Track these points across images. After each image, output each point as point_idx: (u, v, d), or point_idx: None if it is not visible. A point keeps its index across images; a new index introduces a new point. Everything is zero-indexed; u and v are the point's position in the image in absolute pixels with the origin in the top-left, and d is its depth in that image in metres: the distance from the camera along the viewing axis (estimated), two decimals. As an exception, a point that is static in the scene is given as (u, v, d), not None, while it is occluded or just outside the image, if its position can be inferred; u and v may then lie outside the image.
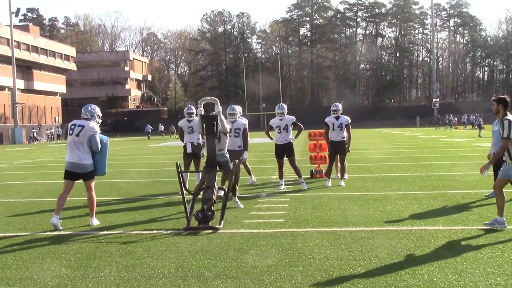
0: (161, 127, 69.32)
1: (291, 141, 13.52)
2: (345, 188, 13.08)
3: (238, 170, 11.43)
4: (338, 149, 13.86)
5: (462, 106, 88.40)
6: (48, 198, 12.81)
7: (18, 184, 16.75)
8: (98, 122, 9.46)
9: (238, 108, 12.28)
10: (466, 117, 69.65)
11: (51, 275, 6.28)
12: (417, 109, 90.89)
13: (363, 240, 7.51)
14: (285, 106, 13.78)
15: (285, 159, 13.43)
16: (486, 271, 5.98)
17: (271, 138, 13.95)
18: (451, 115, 72.73)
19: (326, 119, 14.07)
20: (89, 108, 9.48)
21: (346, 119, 13.92)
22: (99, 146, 9.21)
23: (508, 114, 8.31)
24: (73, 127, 9.31)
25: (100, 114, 9.55)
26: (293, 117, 13.65)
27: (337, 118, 13.86)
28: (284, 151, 13.36)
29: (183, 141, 13.10)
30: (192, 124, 12.88)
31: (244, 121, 12.31)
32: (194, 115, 13.00)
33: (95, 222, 9.29)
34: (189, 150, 12.83)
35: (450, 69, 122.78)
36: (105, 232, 8.62)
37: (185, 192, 9.19)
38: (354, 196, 11.78)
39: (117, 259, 6.89)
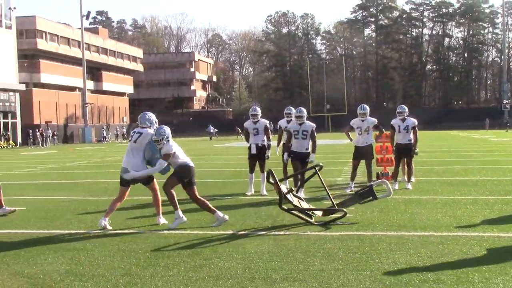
0: (211, 128, 67.55)
1: (371, 143, 13.45)
2: (412, 191, 12.85)
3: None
4: (404, 152, 13.63)
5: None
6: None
7: (88, 182, 17.20)
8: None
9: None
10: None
11: (121, 273, 6.41)
12: (487, 111, 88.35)
13: (433, 246, 7.34)
14: (368, 107, 13.62)
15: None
16: None
17: (351, 139, 13.82)
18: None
19: (392, 122, 13.89)
20: (147, 116, 9.63)
21: (413, 121, 13.67)
22: (158, 155, 9.31)
23: None
24: (133, 134, 9.46)
25: (157, 120, 9.70)
26: (375, 119, 13.53)
27: (403, 120, 13.63)
28: (363, 153, 13.25)
29: (248, 142, 13.14)
30: (257, 125, 12.93)
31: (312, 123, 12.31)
32: (259, 116, 13.04)
33: (162, 221, 9.42)
34: (253, 151, 12.88)
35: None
36: (173, 231, 8.73)
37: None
38: (422, 199, 11.55)
39: (185, 258, 6.97)
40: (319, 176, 9.97)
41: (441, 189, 13.07)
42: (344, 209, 9.13)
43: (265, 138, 12.92)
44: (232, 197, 12.68)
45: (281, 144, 13.59)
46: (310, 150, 11.93)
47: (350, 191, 12.90)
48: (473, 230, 8.34)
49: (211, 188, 14.73)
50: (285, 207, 8.94)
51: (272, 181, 8.95)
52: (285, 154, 11.99)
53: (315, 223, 9.00)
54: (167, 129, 9.22)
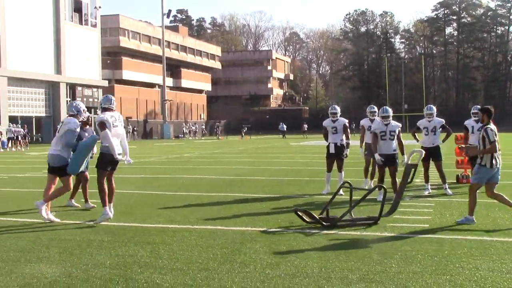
0: (284, 127, 67.15)
1: (439, 144, 13.09)
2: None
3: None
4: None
5: None
6: (195, 193, 13.29)
7: (166, 177, 17.55)
8: (84, 118, 9.91)
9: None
10: None
11: (199, 267, 6.51)
12: None
13: (516, 252, 7.10)
14: (434, 108, 13.34)
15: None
16: None
17: (417, 140, 13.58)
18: None
19: (466, 122, 13.54)
20: (74, 105, 9.80)
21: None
22: (72, 143, 9.31)
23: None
24: (60, 125, 9.66)
25: (85, 108, 9.84)
26: (442, 120, 13.24)
27: (477, 121, 13.18)
28: (431, 154, 12.94)
29: (327, 140, 13.08)
30: (336, 124, 12.88)
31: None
32: (339, 115, 12.98)
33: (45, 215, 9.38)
34: (332, 150, 12.82)
35: None
36: (250, 228, 8.80)
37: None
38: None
39: (261, 256, 7.01)
40: (412, 177, 10.00)
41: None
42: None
43: (343, 137, 12.85)
44: (309, 196, 12.64)
45: (364, 143, 13.42)
46: (397, 151, 11.64)
47: (428, 193, 12.64)
48: (560, 237, 8.01)
49: (289, 187, 14.73)
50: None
51: (306, 218, 8.99)
52: (377, 155, 11.70)
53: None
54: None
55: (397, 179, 11.35)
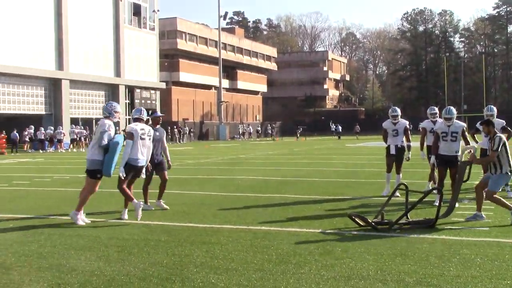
0: (339, 127, 67.25)
1: None
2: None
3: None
4: None
5: None
6: (251, 194, 13.35)
7: (222, 178, 17.69)
8: (118, 118, 9.80)
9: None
10: None
11: (254, 268, 6.54)
12: None
13: None
14: (495, 109, 12.86)
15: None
16: None
17: (476, 142, 13.26)
18: None
19: None
20: (107, 106, 9.83)
21: None
22: (105, 142, 9.29)
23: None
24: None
25: (119, 110, 9.81)
26: (503, 121, 13.01)
27: None
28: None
29: (385, 142, 13.01)
30: (397, 127, 12.80)
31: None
32: (399, 117, 12.85)
33: (80, 220, 9.46)
34: (393, 151, 12.74)
35: None
36: (305, 229, 8.79)
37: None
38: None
39: (316, 257, 6.99)
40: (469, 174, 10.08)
41: None
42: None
43: (404, 139, 12.76)
44: (364, 198, 12.53)
45: (425, 146, 13.11)
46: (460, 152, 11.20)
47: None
48: None
49: (344, 188, 14.65)
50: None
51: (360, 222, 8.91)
52: (433, 156, 11.47)
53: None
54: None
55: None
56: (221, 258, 7.03)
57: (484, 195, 9.35)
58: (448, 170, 11.16)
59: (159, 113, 11.50)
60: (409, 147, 12.77)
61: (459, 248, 7.37)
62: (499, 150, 9.21)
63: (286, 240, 8.04)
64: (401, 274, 6.20)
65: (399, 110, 13.13)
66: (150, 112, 11.32)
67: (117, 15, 52.68)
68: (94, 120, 51.45)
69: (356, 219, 8.94)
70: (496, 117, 12.86)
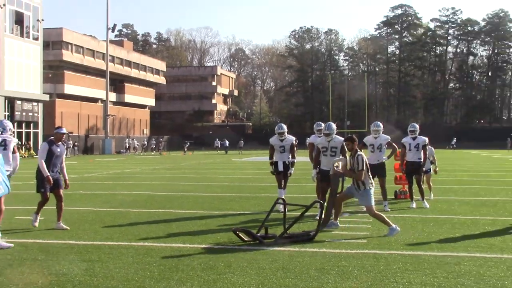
0: (226, 142, 68.06)
1: (384, 161, 13.27)
2: (430, 210, 12.74)
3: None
4: (414, 170, 13.54)
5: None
6: (135, 209, 13.13)
7: (106, 194, 17.27)
8: (11, 135, 9.78)
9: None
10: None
11: (135, 285, 6.42)
12: (509, 131, 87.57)
13: (449, 266, 7.27)
14: (381, 125, 13.50)
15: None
16: None
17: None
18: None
19: (403, 140, 13.86)
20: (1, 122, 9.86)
21: (423, 139, 13.64)
22: None
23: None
24: None
25: (11, 128, 9.93)
26: (388, 137, 13.40)
27: (414, 138, 13.59)
28: (376, 171, 13.07)
29: (271, 158, 13.03)
30: (284, 143, 12.84)
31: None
32: (286, 133, 12.97)
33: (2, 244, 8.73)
34: (280, 168, 12.83)
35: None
36: (188, 245, 8.74)
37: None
38: (439, 219, 11.45)
39: (198, 273, 6.97)
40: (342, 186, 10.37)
41: (459, 209, 12.94)
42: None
43: (290, 156, 12.86)
44: (250, 212, 12.65)
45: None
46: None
47: (413, 207, 13.00)
48: (491, 251, 8.24)
49: (229, 203, 14.72)
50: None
51: (244, 237, 9.02)
52: (314, 171, 11.71)
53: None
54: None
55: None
56: (101, 276, 6.84)
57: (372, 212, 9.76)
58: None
59: (64, 130, 10.86)
60: (292, 163, 12.93)
61: (338, 261, 7.60)
62: (364, 168, 9.59)
63: (169, 256, 7.96)
64: (282, 287, 6.30)
65: (285, 127, 13.12)
66: (55, 128, 10.85)
67: (-3, 23, 50.43)
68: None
69: (240, 234, 9.00)
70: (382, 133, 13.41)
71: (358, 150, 9.84)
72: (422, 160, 13.51)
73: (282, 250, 8.35)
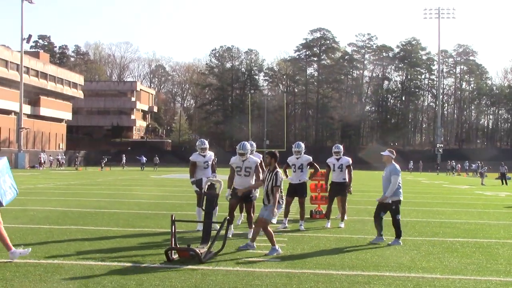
0: (143, 159, 67.53)
1: (305, 181, 13.39)
2: (344, 230, 12.99)
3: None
4: (339, 190, 13.82)
5: (466, 153, 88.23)
6: (46, 226, 12.73)
7: (16, 209, 16.64)
8: None
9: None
10: (468, 164, 70.05)
11: (41, 304, 6.21)
12: (421, 154, 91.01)
13: (359, 285, 7.42)
14: (303, 145, 13.57)
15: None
16: (482, 324, 5.89)
17: (287, 176, 13.62)
18: (453, 161, 72.70)
19: (328, 160, 14.09)
20: None
21: (347, 160, 13.93)
22: None
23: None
24: None
25: None
26: (310, 157, 13.49)
27: (338, 159, 13.88)
28: (297, 190, 13.19)
29: (192, 176, 12.63)
30: (207, 158, 12.62)
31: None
32: (207, 149, 12.77)
33: (18, 252, 8.70)
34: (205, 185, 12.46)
35: (455, 116, 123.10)
36: (100, 263, 8.54)
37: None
38: (353, 239, 11.69)
39: (109, 291, 6.82)
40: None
41: (372, 229, 13.17)
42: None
43: (215, 173, 12.66)
44: (165, 230, 12.49)
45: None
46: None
47: (284, 228, 12.95)
48: (400, 270, 8.47)
49: (145, 220, 14.51)
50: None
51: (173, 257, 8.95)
52: (228, 190, 11.55)
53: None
54: None
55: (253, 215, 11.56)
56: (6, 295, 6.57)
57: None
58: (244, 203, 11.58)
59: None
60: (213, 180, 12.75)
61: (252, 279, 7.61)
62: (280, 185, 9.72)
63: (79, 273, 7.75)
64: (193, 306, 6.24)
65: (207, 143, 12.89)
66: None
67: None
68: None
69: (168, 253, 8.79)
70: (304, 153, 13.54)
71: (277, 167, 9.91)
72: (346, 180, 13.79)
73: (195, 268, 8.29)
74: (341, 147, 14.16)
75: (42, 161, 66.46)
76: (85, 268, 8.17)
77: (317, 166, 13.80)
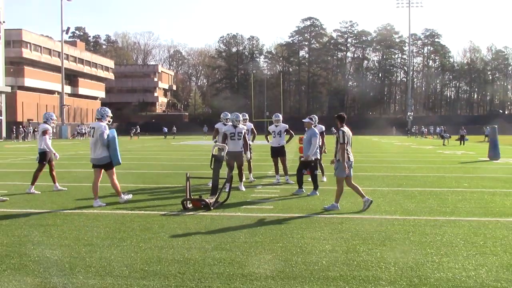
0: (165, 129, 67.65)
1: (283, 144, 13.71)
2: (326, 183, 13.29)
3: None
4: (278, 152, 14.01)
5: (432, 120, 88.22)
6: (86, 184, 13.08)
7: (62, 171, 17.03)
8: (109, 121, 9.87)
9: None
10: (432, 128, 70.25)
11: (84, 243, 6.58)
12: (395, 121, 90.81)
13: (334, 225, 7.77)
14: (280, 115, 13.87)
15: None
16: (426, 251, 6.25)
17: (268, 141, 14.20)
18: (422, 126, 72.76)
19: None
20: (99, 110, 9.91)
21: (320, 127, 13.96)
22: (105, 141, 9.54)
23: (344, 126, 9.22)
24: (90, 129, 9.70)
25: (110, 114, 9.95)
26: (286, 125, 13.77)
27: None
28: (278, 152, 13.59)
29: (214, 138, 13.03)
30: (228, 127, 12.53)
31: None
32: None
33: (125, 198, 9.80)
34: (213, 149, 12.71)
35: (423, 88, 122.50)
36: (130, 211, 8.92)
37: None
38: (333, 190, 11.89)
39: (137, 233, 7.19)
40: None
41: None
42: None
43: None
44: (182, 186, 12.84)
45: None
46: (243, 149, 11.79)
47: (277, 183, 13.31)
48: (367, 213, 8.83)
49: (167, 178, 14.88)
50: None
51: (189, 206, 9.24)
52: (224, 152, 11.79)
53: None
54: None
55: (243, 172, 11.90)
56: (56, 236, 6.96)
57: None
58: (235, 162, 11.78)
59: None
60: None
61: (249, 222, 7.97)
62: (344, 142, 9.03)
63: (114, 220, 8.12)
64: (203, 242, 6.62)
65: (228, 114, 12.88)
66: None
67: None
68: None
69: (184, 203, 9.17)
70: (283, 122, 13.85)
71: (343, 127, 9.21)
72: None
73: (205, 214, 8.66)
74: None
75: (83, 132, 66.73)
76: (118, 216, 8.55)
77: (292, 133, 13.97)
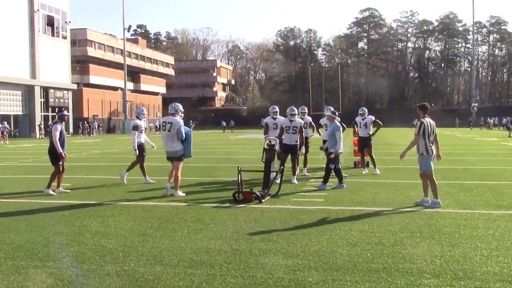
0: (223, 123, 68.45)
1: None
2: (379, 176, 13.20)
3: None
4: (364, 144, 14.22)
5: (498, 110, 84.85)
6: (133, 176, 13.50)
7: (123, 165, 17.54)
8: (181, 116, 10.12)
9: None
10: (497, 119, 67.70)
11: (138, 233, 6.86)
12: (458, 112, 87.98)
13: (382, 218, 7.74)
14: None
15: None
16: (476, 245, 6.14)
17: (320, 134, 14.22)
18: (488, 117, 70.18)
19: (356, 119, 14.44)
20: (173, 105, 10.16)
21: (371, 118, 14.24)
22: (184, 135, 9.94)
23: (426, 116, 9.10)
24: (164, 124, 10.01)
25: (182, 110, 10.26)
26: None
27: (363, 119, 14.22)
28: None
29: (265, 134, 12.69)
30: (276, 121, 12.52)
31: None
32: (278, 113, 12.82)
33: (180, 194, 9.99)
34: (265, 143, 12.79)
35: (488, 78, 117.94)
36: (183, 204, 9.19)
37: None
38: (387, 183, 11.89)
39: (189, 224, 7.42)
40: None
41: (405, 175, 13.40)
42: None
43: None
44: (233, 179, 13.02)
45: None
46: (298, 143, 11.85)
47: (365, 173, 13.63)
48: (418, 206, 8.71)
49: (222, 171, 15.13)
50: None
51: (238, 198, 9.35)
52: (278, 145, 11.90)
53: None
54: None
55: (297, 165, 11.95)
56: (113, 227, 7.29)
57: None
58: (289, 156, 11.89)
59: (65, 112, 11.55)
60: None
61: (298, 214, 8.06)
62: (419, 133, 8.94)
63: (167, 212, 8.40)
64: (250, 233, 6.76)
65: (277, 107, 13.00)
66: (57, 110, 11.53)
67: (32, 25, 50.54)
68: (12, 116, 49.06)
69: (237, 197, 9.36)
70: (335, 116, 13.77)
71: (424, 118, 9.17)
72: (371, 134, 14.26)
73: (256, 207, 8.81)
74: (366, 109, 14.55)
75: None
76: (172, 207, 8.83)
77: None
